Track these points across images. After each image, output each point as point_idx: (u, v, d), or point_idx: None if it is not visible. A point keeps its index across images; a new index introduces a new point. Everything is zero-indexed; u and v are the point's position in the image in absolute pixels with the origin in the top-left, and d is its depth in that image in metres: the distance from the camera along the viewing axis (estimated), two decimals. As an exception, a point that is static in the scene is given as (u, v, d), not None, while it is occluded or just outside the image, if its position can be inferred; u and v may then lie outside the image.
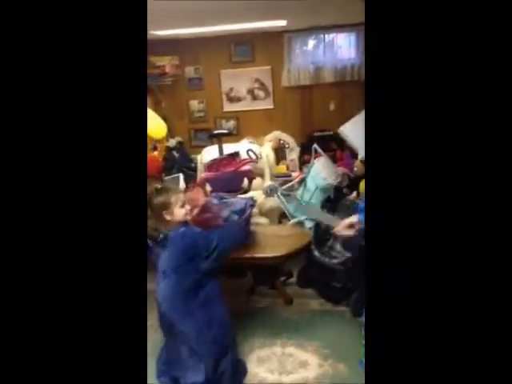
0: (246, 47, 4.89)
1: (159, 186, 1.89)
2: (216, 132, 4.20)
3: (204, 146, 4.49)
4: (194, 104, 5.12)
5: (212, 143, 4.35)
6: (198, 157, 4.39)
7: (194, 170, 4.47)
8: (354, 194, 3.24)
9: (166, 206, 1.83)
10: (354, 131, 2.39)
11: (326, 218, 2.31)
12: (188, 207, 1.87)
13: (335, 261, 2.74)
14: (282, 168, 4.74)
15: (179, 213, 1.84)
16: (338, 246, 2.88)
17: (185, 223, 1.88)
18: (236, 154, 3.42)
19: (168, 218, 1.84)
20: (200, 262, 1.83)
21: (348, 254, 2.69)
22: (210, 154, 4.07)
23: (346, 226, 1.81)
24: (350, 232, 1.80)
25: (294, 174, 4.45)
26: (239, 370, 2.10)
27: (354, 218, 1.79)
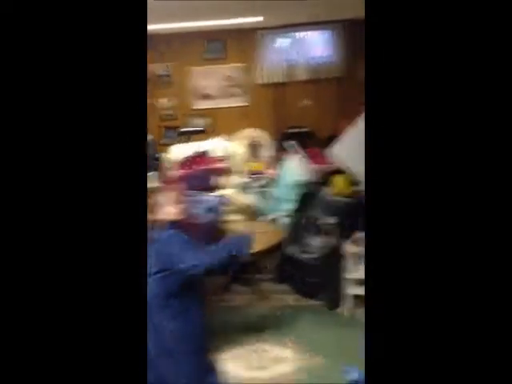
0: (218, 44, 4.85)
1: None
2: (187, 129, 4.16)
3: (173, 144, 4.43)
4: (164, 102, 5.04)
5: (182, 141, 4.29)
6: (166, 155, 4.31)
7: (158, 168, 4.35)
8: (327, 189, 3.27)
9: (155, 207, 1.81)
10: (344, 151, 2.35)
11: None
12: (180, 206, 1.83)
13: (310, 256, 2.76)
14: (256, 165, 4.74)
15: (170, 212, 1.79)
16: (313, 242, 2.91)
17: (174, 223, 1.81)
18: (209, 152, 3.40)
19: (162, 217, 1.80)
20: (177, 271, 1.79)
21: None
22: (178, 151, 4.02)
23: None
24: None
25: (269, 171, 4.46)
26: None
27: None
